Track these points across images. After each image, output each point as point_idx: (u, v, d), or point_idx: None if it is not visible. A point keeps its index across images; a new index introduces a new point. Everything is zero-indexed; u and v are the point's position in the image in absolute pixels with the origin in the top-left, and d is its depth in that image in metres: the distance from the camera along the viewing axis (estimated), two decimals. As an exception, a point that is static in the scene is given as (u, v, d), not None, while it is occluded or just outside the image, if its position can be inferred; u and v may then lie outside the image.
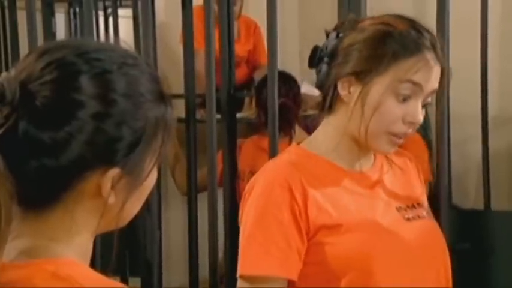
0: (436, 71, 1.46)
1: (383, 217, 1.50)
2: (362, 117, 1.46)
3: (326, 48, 1.52)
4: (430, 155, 3.15)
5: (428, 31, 1.48)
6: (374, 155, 1.59)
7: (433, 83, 1.46)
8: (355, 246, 1.43)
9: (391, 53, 1.44)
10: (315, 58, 1.54)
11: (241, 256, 1.47)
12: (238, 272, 1.46)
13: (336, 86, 1.49)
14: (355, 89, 1.47)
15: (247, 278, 1.45)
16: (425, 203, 1.63)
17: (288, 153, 1.56)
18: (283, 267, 1.43)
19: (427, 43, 1.45)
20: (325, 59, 1.52)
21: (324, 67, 1.52)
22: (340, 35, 1.51)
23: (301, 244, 1.44)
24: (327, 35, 1.55)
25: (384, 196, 1.54)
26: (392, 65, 1.44)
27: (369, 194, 1.53)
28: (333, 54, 1.50)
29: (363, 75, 1.46)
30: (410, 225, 1.52)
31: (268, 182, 1.48)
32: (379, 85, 1.44)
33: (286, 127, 2.99)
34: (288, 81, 3.18)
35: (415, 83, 1.43)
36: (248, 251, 1.46)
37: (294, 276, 1.44)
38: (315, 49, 1.55)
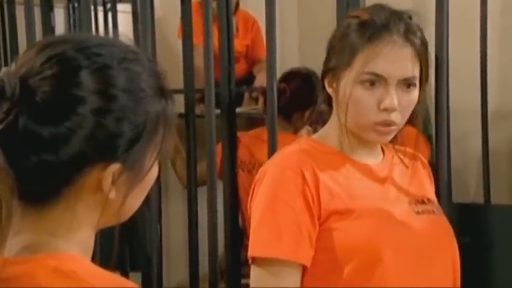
0: (402, 55, 1.45)
1: (394, 207, 1.50)
2: (341, 111, 1.49)
3: None
4: (431, 149, 3.14)
5: (397, 14, 1.48)
6: (383, 151, 1.61)
7: (401, 68, 1.45)
8: (364, 233, 1.44)
9: (350, 46, 1.47)
10: None
11: (252, 240, 1.47)
12: (249, 254, 1.46)
13: (324, 85, 1.55)
14: (334, 85, 1.51)
15: (259, 262, 1.45)
16: (435, 201, 1.63)
17: (299, 143, 1.57)
18: (294, 252, 1.43)
19: (392, 28, 1.45)
20: None
21: None
22: None
23: (312, 230, 1.44)
24: None
25: (395, 190, 1.55)
26: (352, 57, 1.46)
27: (380, 184, 1.54)
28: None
29: (335, 71, 1.50)
30: (420, 217, 1.52)
31: (279, 169, 1.49)
32: (345, 79, 1.48)
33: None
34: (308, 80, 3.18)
35: (375, 74, 1.45)
36: (259, 235, 1.46)
37: (306, 262, 1.43)
38: None
